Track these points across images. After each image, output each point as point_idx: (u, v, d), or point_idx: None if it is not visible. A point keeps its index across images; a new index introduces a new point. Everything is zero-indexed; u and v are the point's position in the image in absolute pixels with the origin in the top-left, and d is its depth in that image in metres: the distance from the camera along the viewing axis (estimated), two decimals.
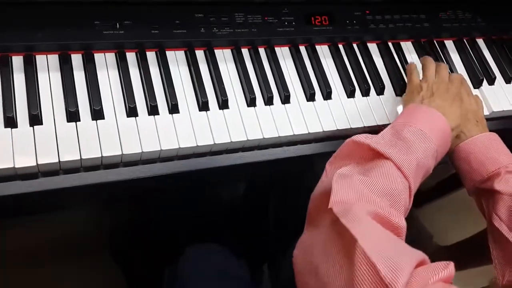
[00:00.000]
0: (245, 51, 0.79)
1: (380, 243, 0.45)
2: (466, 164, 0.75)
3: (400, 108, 0.83)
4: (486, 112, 0.87)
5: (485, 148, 0.73)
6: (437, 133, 0.66)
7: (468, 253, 1.44)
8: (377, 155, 0.59)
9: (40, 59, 0.67)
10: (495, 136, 0.76)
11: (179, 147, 0.67)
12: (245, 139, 0.71)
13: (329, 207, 0.50)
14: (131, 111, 0.67)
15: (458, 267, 1.38)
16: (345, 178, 0.55)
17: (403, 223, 0.53)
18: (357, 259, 0.43)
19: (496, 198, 0.71)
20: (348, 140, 0.62)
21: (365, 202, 0.52)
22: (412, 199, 0.59)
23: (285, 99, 0.76)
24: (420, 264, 0.45)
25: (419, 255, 0.45)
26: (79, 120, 0.65)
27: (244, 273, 0.83)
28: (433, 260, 1.45)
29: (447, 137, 0.68)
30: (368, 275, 0.42)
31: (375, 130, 0.80)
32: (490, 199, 0.73)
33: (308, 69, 0.81)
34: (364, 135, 0.61)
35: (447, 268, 0.44)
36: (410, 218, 1.69)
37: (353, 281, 0.43)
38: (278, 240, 0.94)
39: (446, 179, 1.59)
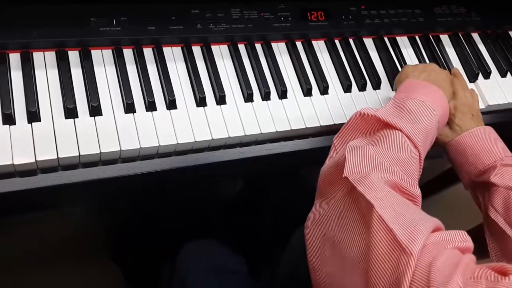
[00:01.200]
0: (241, 47, 0.79)
1: (397, 209, 0.46)
2: (462, 157, 0.75)
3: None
4: (481, 106, 0.87)
5: (481, 141, 0.74)
6: (438, 103, 0.67)
7: None
8: (386, 126, 0.60)
9: (37, 56, 0.67)
10: (490, 130, 0.76)
11: (177, 143, 0.67)
12: (243, 134, 0.71)
13: (344, 175, 0.51)
14: (129, 107, 0.67)
15: None
16: (358, 149, 0.55)
17: (418, 191, 0.54)
18: (373, 225, 0.44)
19: (492, 191, 0.72)
20: (354, 113, 0.63)
21: (381, 171, 0.53)
22: (422, 167, 0.61)
23: (282, 94, 0.77)
24: (436, 230, 0.45)
25: (435, 221, 0.46)
26: (77, 117, 0.65)
27: (242, 268, 0.83)
28: None
29: (445, 108, 0.70)
30: (385, 240, 0.43)
31: None
32: (486, 191, 0.73)
33: (304, 64, 0.81)
34: (370, 107, 0.63)
35: (466, 242, 0.45)
36: None
37: (370, 246, 0.44)
38: (275, 235, 0.94)
39: (442, 174, 1.60)
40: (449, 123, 0.77)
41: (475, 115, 0.78)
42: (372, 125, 0.61)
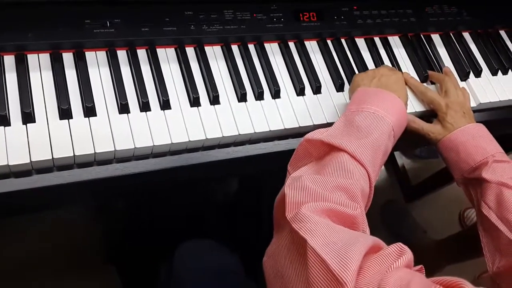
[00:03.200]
0: (235, 48, 0.80)
1: (329, 237, 0.45)
2: (454, 154, 0.76)
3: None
4: (473, 104, 0.88)
5: (473, 138, 0.75)
6: (390, 110, 0.66)
7: (462, 247, 1.46)
8: (332, 149, 0.59)
9: (32, 58, 0.68)
10: (482, 127, 0.78)
11: (171, 143, 0.68)
12: (237, 133, 0.72)
13: (285, 214, 0.50)
14: (123, 108, 0.68)
15: (452, 260, 1.41)
16: (296, 181, 0.55)
17: (358, 212, 0.52)
18: (309, 258, 0.44)
19: (484, 187, 0.72)
20: (302, 139, 0.62)
21: (316, 201, 0.52)
22: (373, 183, 0.60)
23: (276, 94, 0.77)
24: (373, 249, 0.45)
25: (370, 241, 0.45)
26: (72, 118, 0.65)
27: (238, 269, 0.84)
28: (427, 255, 1.47)
29: (401, 111, 0.69)
30: (320, 271, 0.42)
31: None
32: (478, 187, 0.74)
33: (297, 64, 0.82)
34: (317, 130, 0.62)
35: (404, 255, 0.44)
36: (403, 214, 1.71)
37: (309, 281, 0.43)
38: (272, 234, 0.94)
39: (438, 173, 1.61)
40: (441, 121, 0.78)
41: (466, 113, 0.79)
42: (319, 149, 0.61)
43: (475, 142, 0.75)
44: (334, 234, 0.46)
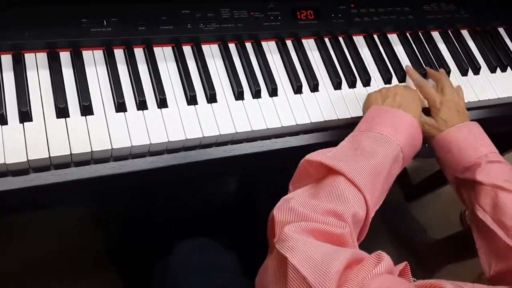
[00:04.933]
0: (232, 46, 0.80)
1: (308, 253, 0.45)
2: (447, 153, 0.75)
3: None
4: (472, 101, 0.88)
5: (466, 137, 0.74)
6: (401, 132, 0.65)
7: (461, 246, 1.46)
8: (330, 171, 0.58)
9: (29, 57, 0.68)
10: (476, 126, 0.76)
11: (169, 141, 0.68)
12: (234, 131, 0.72)
13: (274, 238, 0.50)
14: (120, 107, 0.68)
15: (451, 260, 1.40)
16: (286, 203, 0.54)
17: (346, 231, 0.51)
18: (289, 276, 0.44)
19: (478, 189, 0.71)
20: (302, 160, 0.61)
21: (302, 221, 0.51)
22: (371, 209, 0.58)
23: (273, 92, 0.77)
24: (355, 262, 0.44)
25: (349, 254, 0.45)
26: (69, 116, 0.65)
27: (235, 266, 0.83)
28: (427, 254, 1.46)
29: (414, 132, 0.67)
30: (299, 287, 0.42)
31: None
32: (472, 189, 0.73)
33: (294, 62, 0.82)
34: (320, 151, 0.60)
35: (381, 262, 0.43)
36: (403, 213, 1.71)
37: None
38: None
39: (438, 173, 1.60)
40: (434, 116, 0.78)
41: (461, 111, 0.78)
42: (318, 170, 0.59)
43: (468, 141, 0.74)
44: (314, 250, 0.46)
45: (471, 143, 0.73)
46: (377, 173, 0.59)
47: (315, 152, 0.60)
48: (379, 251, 0.45)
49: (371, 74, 0.85)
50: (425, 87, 0.82)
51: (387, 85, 0.83)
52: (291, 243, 0.47)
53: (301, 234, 0.48)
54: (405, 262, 0.46)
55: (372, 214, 0.58)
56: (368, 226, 0.59)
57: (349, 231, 0.52)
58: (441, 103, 0.78)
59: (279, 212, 0.53)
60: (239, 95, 0.75)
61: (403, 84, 0.82)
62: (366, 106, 0.75)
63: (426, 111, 0.81)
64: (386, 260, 0.44)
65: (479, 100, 0.90)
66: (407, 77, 0.87)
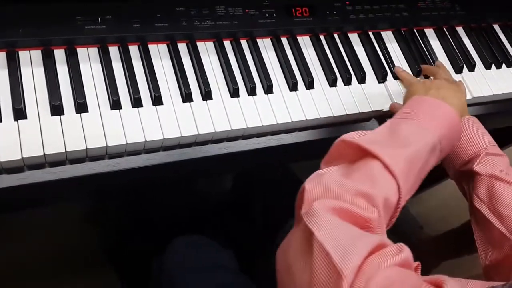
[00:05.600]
0: (227, 43, 0.80)
1: (336, 232, 0.45)
2: None
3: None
4: (467, 97, 0.88)
5: (465, 131, 0.74)
6: (441, 122, 0.63)
7: (458, 242, 1.46)
8: (366, 154, 0.57)
9: (23, 55, 0.68)
10: (475, 120, 0.77)
11: (164, 138, 0.68)
12: (229, 129, 0.72)
13: (301, 211, 0.50)
14: (115, 104, 0.68)
15: (448, 256, 1.40)
16: (319, 177, 0.54)
17: (374, 216, 0.51)
18: (314, 250, 0.44)
19: (476, 180, 0.72)
20: (338, 139, 0.60)
21: (332, 199, 0.51)
22: (403, 197, 0.56)
23: (268, 89, 0.77)
24: (378, 248, 0.45)
25: (375, 240, 0.45)
26: (63, 114, 0.65)
27: (232, 265, 0.84)
28: (424, 251, 1.46)
29: (454, 125, 0.66)
30: (323, 263, 0.43)
31: (356, 118, 0.82)
32: (470, 181, 0.74)
33: (290, 59, 0.82)
34: (356, 132, 0.59)
35: (400, 253, 0.44)
36: (400, 209, 1.69)
37: (312, 271, 0.43)
38: (265, 229, 0.95)
39: (434, 169, 1.61)
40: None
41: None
42: (354, 152, 0.58)
43: (467, 136, 0.74)
44: (341, 231, 0.46)
45: (471, 137, 0.74)
46: (412, 161, 0.58)
47: (351, 133, 0.59)
48: (402, 243, 0.45)
49: (366, 71, 0.85)
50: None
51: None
52: (319, 219, 0.47)
53: (329, 213, 0.48)
54: (418, 262, 0.46)
55: (403, 203, 0.57)
56: (398, 214, 0.58)
57: (377, 216, 0.51)
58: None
59: (311, 184, 0.53)
60: (234, 92, 0.75)
61: (449, 78, 0.81)
62: (408, 96, 0.75)
63: None
64: (405, 252, 0.44)
65: (473, 97, 0.90)
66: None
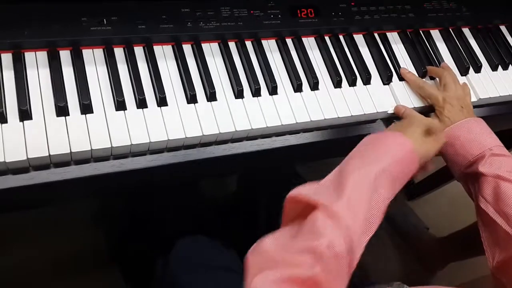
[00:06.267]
0: (232, 44, 0.80)
1: None
2: (452, 149, 0.76)
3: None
4: (473, 99, 0.88)
5: (469, 132, 0.75)
6: (382, 152, 0.62)
7: (464, 244, 1.45)
8: (310, 206, 0.54)
9: (29, 56, 0.68)
10: (480, 121, 0.77)
11: (168, 139, 0.68)
12: (234, 130, 0.72)
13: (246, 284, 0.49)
14: (120, 105, 0.68)
15: (454, 258, 1.39)
16: (260, 245, 0.53)
17: (316, 271, 0.47)
18: None
19: (481, 181, 0.72)
20: (287, 196, 0.57)
21: (272, 268, 0.48)
22: (359, 230, 0.53)
23: (273, 91, 0.77)
24: None
25: None
26: (68, 115, 0.65)
27: (235, 265, 0.83)
28: (430, 252, 1.45)
29: (408, 162, 0.63)
30: None
31: (361, 119, 0.81)
32: (476, 182, 0.74)
33: (295, 60, 0.82)
34: (307, 185, 0.57)
35: None
36: (405, 211, 1.70)
37: None
38: (269, 230, 0.94)
39: (440, 171, 1.60)
40: (438, 115, 0.78)
41: (465, 107, 0.79)
42: (301, 206, 0.55)
43: (472, 136, 0.74)
44: None
45: (475, 138, 0.74)
46: (355, 199, 0.55)
47: (301, 186, 0.57)
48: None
49: (371, 73, 0.85)
50: (424, 87, 0.82)
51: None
52: None
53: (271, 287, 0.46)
54: None
55: (366, 237, 0.55)
56: (362, 249, 0.55)
57: (320, 269, 0.48)
58: (444, 100, 0.78)
59: (253, 256, 0.51)
60: (239, 94, 0.75)
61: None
62: (392, 128, 0.75)
63: (433, 110, 0.82)
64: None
65: (479, 99, 0.89)
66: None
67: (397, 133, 0.66)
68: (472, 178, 0.75)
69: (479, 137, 0.74)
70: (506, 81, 0.93)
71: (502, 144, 0.76)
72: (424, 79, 0.87)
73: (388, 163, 0.60)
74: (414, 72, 0.89)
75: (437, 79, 0.86)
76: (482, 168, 0.71)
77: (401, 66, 0.88)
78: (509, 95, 0.92)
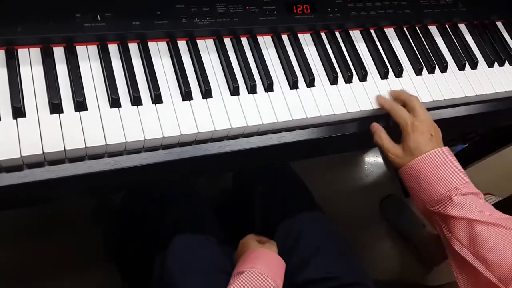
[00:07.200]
0: (227, 41, 0.79)
1: None
2: (416, 184, 0.72)
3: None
4: (471, 94, 0.88)
5: (435, 167, 0.70)
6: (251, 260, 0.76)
7: None
8: None
9: (22, 52, 0.68)
10: (446, 153, 0.72)
11: (163, 137, 0.68)
12: (229, 127, 0.72)
13: None
14: (114, 102, 0.67)
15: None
16: None
17: None
18: None
19: (452, 223, 0.68)
20: None
21: None
22: None
23: (268, 87, 0.77)
24: None
25: None
26: (62, 112, 0.65)
27: (232, 265, 0.83)
28: (426, 249, 1.46)
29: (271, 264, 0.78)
30: None
31: (358, 116, 0.81)
32: (446, 222, 0.70)
33: (290, 57, 0.81)
34: None
35: None
36: (402, 208, 1.71)
37: None
38: (265, 229, 0.94)
39: None
40: (403, 142, 0.74)
41: (434, 135, 0.74)
42: None
43: (437, 172, 0.70)
44: None
45: (441, 174, 0.70)
46: None
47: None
48: None
49: (367, 69, 0.85)
50: (396, 110, 0.77)
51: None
52: None
53: None
54: None
55: None
56: None
57: None
58: (412, 126, 0.74)
59: None
60: (234, 91, 0.75)
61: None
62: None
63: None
64: None
65: (476, 95, 0.89)
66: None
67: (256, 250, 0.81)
68: (440, 218, 0.71)
69: (445, 173, 0.70)
70: (502, 77, 0.93)
71: (469, 180, 0.71)
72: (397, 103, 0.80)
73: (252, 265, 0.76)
74: (411, 68, 0.88)
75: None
76: (452, 211, 0.67)
77: (398, 62, 0.88)
78: (506, 91, 0.92)
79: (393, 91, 0.83)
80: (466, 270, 0.67)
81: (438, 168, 0.70)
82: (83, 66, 0.69)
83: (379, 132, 0.78)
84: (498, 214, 0.68)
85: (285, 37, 0.84)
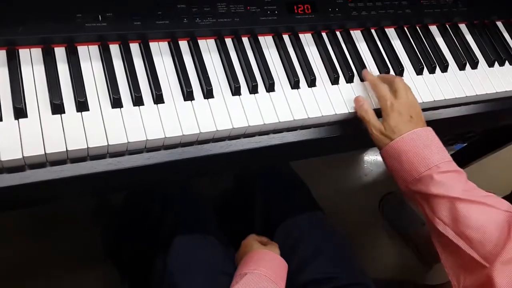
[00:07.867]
0: (228, 41, 0.79)
1: None
2: (397, 164, 0.71)
3: None
4: (472, 93, 0.88)
5: (415, 146, 0.69)
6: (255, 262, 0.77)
7: None
8: None
9: (23, 53, 0.67)
10: (428, 133, 0.71)
11: (165, 137, 0.68)
12: (231, 127, 0.72)
13: None
14: (116, 102, 0.67)
15: None
16: None
17: None
18: None
19: (434, 202, 0.67)
20: None
21: None
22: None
23: (270, 87, 0.77)
24: None
25: None
26: (64, 112, 0.65)
27: (233, 266, 0.83)
28: (425, 247, 1.46)
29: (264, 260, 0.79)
30: None
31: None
32: (427, 201, 0.69)
33: (292, 57, 0.81)
34: None
35: None
36: (401, 206, 1.71)
37: None
38: (265, 229, 0.94)
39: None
40: (384, 122, 0.73)
41: (414, 116, 0.73)
42: None
43: (417, 151, 0.69)
44: None
45: (421, 153, 0.69)
46: None
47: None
48: None
49: (368, 69, 0.85)
50: (379, 88, 0.77)
51: None
52: None
53: None
54: None
55: None
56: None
57: None
58: (391, 106, 0.73)
59: None
60: (236, 91, 0.75)
61: None
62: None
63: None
64: None
65: (477, 95, 0.89)
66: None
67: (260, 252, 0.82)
68: (422, 197, 0.70)
69: (426, 152, 0.69)
70: (503, 77, 0.93)
71: (450, 158, 0.70)
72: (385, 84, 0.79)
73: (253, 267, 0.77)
74: (411, 68, 0.89)
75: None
76: (434, 189, 0.66)
77: (399, 62, 0.88)
78: (506, 91, 0.92)
79: (381, 74, 0.83)
80: (449, 249, 0.67)
81: (419, 147, 0.69)
82: (85, 66, 0.69)
83: (365, 105, 0.77)
84: (480, 192, 0.68)
85: (286, 37, 0.84)
